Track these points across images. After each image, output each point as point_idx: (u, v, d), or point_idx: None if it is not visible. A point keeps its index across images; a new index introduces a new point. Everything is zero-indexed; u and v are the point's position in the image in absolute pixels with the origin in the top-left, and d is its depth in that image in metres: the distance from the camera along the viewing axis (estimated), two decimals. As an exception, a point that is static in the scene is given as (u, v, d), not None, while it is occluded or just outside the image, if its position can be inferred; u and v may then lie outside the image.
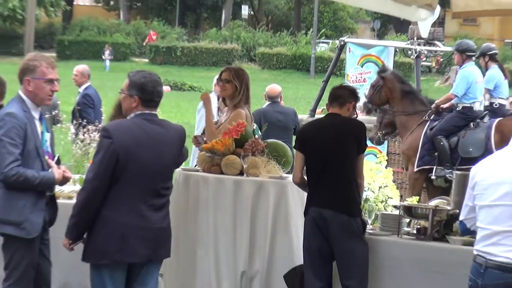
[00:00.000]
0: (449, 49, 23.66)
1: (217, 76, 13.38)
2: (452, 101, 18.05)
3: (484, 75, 18.44)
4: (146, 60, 75.38)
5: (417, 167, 16.03)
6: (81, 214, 8.36)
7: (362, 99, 17.63)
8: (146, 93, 8.45)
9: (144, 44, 75.99)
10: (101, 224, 8.39)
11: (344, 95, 10.10)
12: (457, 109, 17.65)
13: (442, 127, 16.95)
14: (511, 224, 7.23)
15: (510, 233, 7.29)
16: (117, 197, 8.27)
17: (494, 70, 18.90)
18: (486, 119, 17.39)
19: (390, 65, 21.67)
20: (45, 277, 9.51)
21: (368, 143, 13.85)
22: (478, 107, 17.33)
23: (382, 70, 17.70)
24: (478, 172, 7.64)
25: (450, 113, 17.86)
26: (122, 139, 8.19)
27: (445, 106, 18.01)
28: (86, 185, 8.32)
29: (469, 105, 17.39)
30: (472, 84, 18.07)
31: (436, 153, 16.28)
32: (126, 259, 8.28)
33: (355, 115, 10.86)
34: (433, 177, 16.53)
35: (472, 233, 7.89)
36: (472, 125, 16.38)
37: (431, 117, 17.17)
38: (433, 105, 18.15)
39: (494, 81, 18.37)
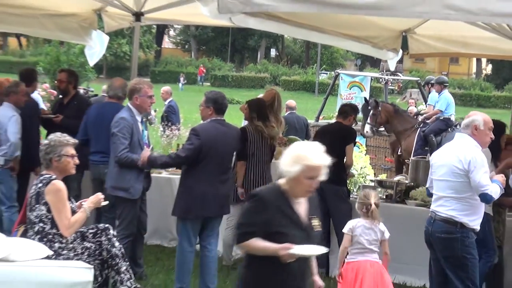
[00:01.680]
0: (406, 78, 27.81)
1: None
2: (438, 114, 20.22)
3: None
4: (209, 84, 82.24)
5: (413, 157, 17.05)
6: (166, 165, 11.14)
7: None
8: (218, 104, 10.37)
9: (198, 74, 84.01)
10: (187, 191, 10.35)
11: (347, 110, 12.35)
12: (441, 118, 19.95)
13: (432, 130, 19.11)
14: (449, 192, 8.56)
15: (449, 198, 8.63)
16: (199, 173, 10.15)
17: (446, 93, 21.17)
18: (458, 126, 18.00)
19: (367, 88, 25.12)
20: (143, 224, 11.67)
21: (358, 138, 17.01)
22: (453, 118, 19.89)
23: (376, 101, 19.82)
24: (434, 157, 9.22)
25: (434, 122, 20.07)
26: (205, 136, 10.10)
27: (430, 119, 20.31)
28: (177, 157, 10.49)
29: (448, 116, 19.89)
30: (449, 104, 20.56)
31: (426, 148, 18.09)
32: (205, 214, 10.29)
33: (355, 124, 13.26)
34: None
35: (431, 195, 9.29)
36: (449, 129, 18.63)
37: (420, 125, 19.38)
38: (421, 118, 20.83)
39: (446, 102, 20.67)
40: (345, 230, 8.95)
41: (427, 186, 9.42)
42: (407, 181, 12.37)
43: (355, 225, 8.92)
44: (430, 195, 9.17)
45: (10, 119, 11.90)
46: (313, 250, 5.88)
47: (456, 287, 8.64)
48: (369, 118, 19.40)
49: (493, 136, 8.84)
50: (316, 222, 6.35)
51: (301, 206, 6.21)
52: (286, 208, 5.88)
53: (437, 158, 8.99)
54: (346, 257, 9.03)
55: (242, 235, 5.84)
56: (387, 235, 9.02)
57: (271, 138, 12.53)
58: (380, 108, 19.18)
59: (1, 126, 11.97)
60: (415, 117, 21.85)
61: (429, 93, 22.91)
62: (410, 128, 18.96)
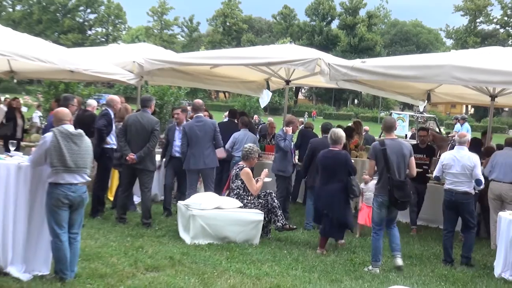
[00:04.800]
0: (428, 115, 27.36)
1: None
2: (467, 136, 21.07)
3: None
4: (321, 117, 76.72)
5: None
6: None
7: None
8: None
9: (313, 114, 77.60)
10: None
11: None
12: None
13: None
14: (463, 178, 9.56)
15: (464, 181, 9.63)
16: None
17: (466, 124, 22.68)
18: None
19: (407, 120, 26.29)
20: (289, 191, 12.54)
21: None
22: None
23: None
24: (445, 158, 9.91)
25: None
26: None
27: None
28: None
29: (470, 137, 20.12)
30: (468, 129, 21.32)
31: None
32: None
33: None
34: None
35: (438, 179, 10.22)
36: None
37: (452, 141, 16.74)
38: (453, 138, 18.37)
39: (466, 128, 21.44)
40: None
41: (435, 174, 10.16)
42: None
43: None
44: (437, 178, 10.14)
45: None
46: None
47: (468, 220, 9.77)
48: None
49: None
50: None
51: None
52: None
53: (448, 160, 9.79)
54: None
55: None
56: None
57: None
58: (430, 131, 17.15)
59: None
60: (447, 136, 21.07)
61: (455, 124, 24.15)
62: (446, 145, 16.67)
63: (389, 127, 9.48)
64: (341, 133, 10.33)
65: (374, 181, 9.80)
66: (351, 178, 9.93)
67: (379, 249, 9.09)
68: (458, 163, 9.60)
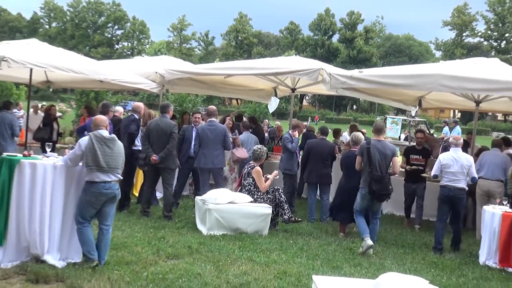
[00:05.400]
0: (420, 119, 26.53)
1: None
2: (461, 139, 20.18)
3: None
4: (323, 121, 75.64)
5: None
6: None
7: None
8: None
9: (315, 119, 75.23)
10: None
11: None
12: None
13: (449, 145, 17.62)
14: (461, 176, 9.71)
15: (460, 179, 9.75)
16: None
17: (458, 127, 22.09)
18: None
19: (400, 124, 25.87)
20: (295, 187, 12.47)
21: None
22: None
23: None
24: (444, 159, 9.93)
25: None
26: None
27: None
28: None
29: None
30: (459, 132, 20.98)
31: None
32: None
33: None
34: None
35: (436, 177, 10.22)
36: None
37: (443, 143, 16.53)
38: (444, 139, 18.52)
39: (458, 131, 21.18)
40: None
41: (433, 173, 10.21)
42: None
43: None
44: (435, 176, 10.22)
45: None
46: None
47: (458, 214, 9.97)
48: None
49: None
50: None
51: None
52: None
53: (446, 160, 9.88)
54: None
55: None
56: None
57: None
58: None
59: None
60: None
61: (443, 127, 23.89)
62: (438, 144, 16.47)
63: (377, 130, 9.83)
64: (361, 136, 10.60)
65: None
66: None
67: (363, 226, 9.48)
68: (456, 163, 9.71)
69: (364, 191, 9.44)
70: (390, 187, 9.54)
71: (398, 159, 12.64)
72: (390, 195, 9.67)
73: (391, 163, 9.66)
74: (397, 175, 10.63)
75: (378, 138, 9.69)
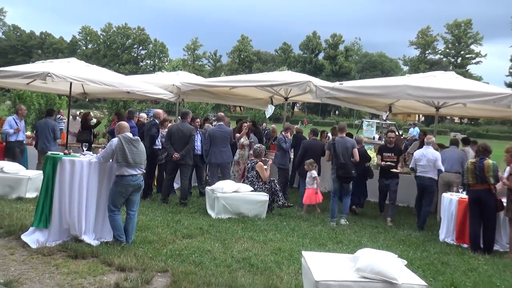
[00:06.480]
0: (390, 122, 25.42)
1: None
2: (414, 137, 18.49)
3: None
4: (311, 124, 70.32)
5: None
6: None
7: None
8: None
9: (304, 123, 73.57)
10: None
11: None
12: (415, 139, 17.43)
13: (409, 143, 16.19)
14: (429, 168, 9.84)
15: (429, 170, 9.88)
16: None
17: (417, 128, 20.86)
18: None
19: (374, 126, 25.63)
20: (289, 177, 12.31)
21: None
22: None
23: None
24: (416, 154, 10.13)
25: (411, 140, 17.91)
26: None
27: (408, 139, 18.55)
28: None
29: (416, 138, 17.12)
30: (417, 133, 19.30)
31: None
32: None
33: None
34: None
35: (412, 169, 10.32)
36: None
37: (406, 142, 16.87)
38: (407, 138, 19.12)
39: (417, 132, 19.80)
40: None
41: (410, 166, 10.45)
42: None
43: None
44: (412, 169, 10.34)
45: None
46: None
47: (428, 200, 9.99)
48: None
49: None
50: None
51: None
52: None
53: (419, 156, 10.06)
54: None
55: None
56: None
57: None
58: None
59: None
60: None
61: (409, 129, 23.02)
62: (402, 142, 16.34)
63: (341, 129, 10.26)
64: (362, 136, 11.41)
65: (314, 171, 10.76)
66: (366, 165, 10.89)
67: (334, 210, 9.86)
68: (424, 158, 9.90)
69: (334, 175, 9.83)
70: (353, 171, 9.84)
71: (373, 156, 12.93)
72: (353, 178, 9.97)
73: (352, 153, 10.07)
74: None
75: (342, 135, 10.10)
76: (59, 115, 19.22)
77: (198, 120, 12.10)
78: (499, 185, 8.42)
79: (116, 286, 5.39)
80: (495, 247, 8.45)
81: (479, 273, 6.99)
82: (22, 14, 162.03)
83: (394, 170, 10.35)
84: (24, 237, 6.75)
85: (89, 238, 6.87)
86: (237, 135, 12.49)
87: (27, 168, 10.92)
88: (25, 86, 13.59)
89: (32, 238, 6.69)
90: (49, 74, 10.04)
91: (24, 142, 12.56)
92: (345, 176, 9.74)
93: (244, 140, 12.36)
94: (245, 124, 12.57)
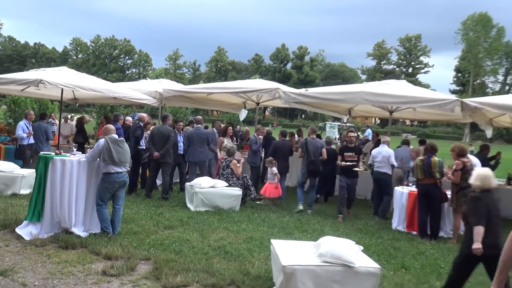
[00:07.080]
0: (350, 124, 25.06)
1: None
2: (367, 138, 18.18)
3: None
4: (280, 126, 70.87)
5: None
6: None
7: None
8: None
9: (274, 125, 68.65)
10: None
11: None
12: (369, 139, 17.08)
13: (363, 143, 15.29)
14: (383, 164, 9.82)
15: (384, 166, 9.79)
16: None
17: (369, 130, 20.65)
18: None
19: (336, 128, 26.21)
20: (259, 175, 11.96)
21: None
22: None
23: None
24: (373, 152, 10.25)
25: (365, 140, 17.15)
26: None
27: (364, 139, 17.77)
28: None
29: (370, 139, 16.68)
30: (370, 134, 19.69)
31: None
32: None
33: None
34: None
35: (370, 166, 10.34)
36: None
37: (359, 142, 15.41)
38: (361, 139, 17.83)
39: (370, 134, 19.42)
40: None
41: (368, 162, 10.64)
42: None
43: None
44: (370, 166, 10.44)
45: None
46: None
47: (387, 193, 9.91)
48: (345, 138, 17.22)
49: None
50: None
51: None
52: None
53: (376, 153, 10.15)
54: None
55: None
56: None
57: None
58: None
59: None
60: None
61: (365, 130, 22.94)
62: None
63: (312, 131, 10.46)
64: (332, 138, 11.49)
65: (274, 168, 10.69)
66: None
67: (300, 196, 10.18)
68: (380, 155, 10.02)
69: (304, 170, 10.07)
70: (320, 167, 10.12)
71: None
72: (320, 173, 10.27)
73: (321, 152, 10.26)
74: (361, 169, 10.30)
75: (313, 136, 10.29)
76: (51, 119, 18.85)
77: (181, 123, 11.90)
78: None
79: (103, 273, 5.34)
80: (440, 234, 8.50)
81: (426, 256, 7.05)
82: (17, 26, 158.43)
83: (356, 168, 9.90)
84: (18, 230, 6.66)
85: (78, 230, 6.77)
86: (221, 138, 12.20)
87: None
88: (19, 92, 13.27)
89: (26, 230, 6.60)
90: (42, 81, 9.83)
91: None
92: (314, 171, 9.98)
93: (227, 142, 12.07)
94: (230, 128, 12.39)
